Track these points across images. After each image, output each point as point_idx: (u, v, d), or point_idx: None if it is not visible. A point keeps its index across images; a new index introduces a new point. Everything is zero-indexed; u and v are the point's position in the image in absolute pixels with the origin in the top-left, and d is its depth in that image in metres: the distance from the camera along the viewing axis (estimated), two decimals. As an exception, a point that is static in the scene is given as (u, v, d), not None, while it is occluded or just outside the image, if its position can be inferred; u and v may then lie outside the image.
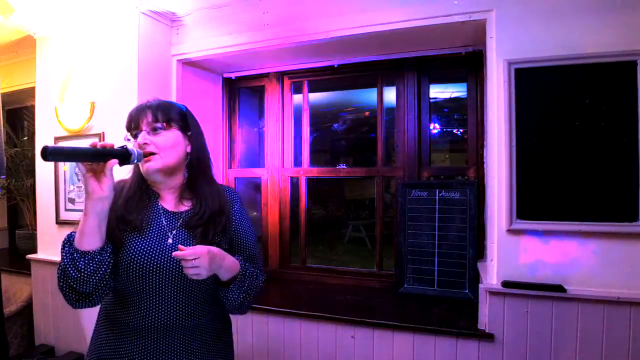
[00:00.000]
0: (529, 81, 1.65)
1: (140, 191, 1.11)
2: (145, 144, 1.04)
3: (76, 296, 0.98)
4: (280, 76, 2.64)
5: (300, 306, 2.06)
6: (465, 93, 2.25)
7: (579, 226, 1.58)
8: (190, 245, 1.03)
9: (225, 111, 2.80)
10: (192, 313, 1.07)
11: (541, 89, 1.64)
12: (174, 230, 1.09)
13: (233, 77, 2.73)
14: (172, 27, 2.37)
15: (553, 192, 1.62)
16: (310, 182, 2.69)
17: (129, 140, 1.08)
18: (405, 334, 1.82)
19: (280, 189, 2.65)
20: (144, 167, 1.05)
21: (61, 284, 0.97)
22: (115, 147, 0.95)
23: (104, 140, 2.24)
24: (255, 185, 2.96)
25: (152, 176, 1.08)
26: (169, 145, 1.07)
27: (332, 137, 5.66)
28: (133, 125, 1.08)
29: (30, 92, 2.69)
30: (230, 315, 1.25)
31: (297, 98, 2.68)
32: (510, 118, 1.67)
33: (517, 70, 1.66)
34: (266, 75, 2.66)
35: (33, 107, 2.59)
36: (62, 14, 2.28)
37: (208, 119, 2.68)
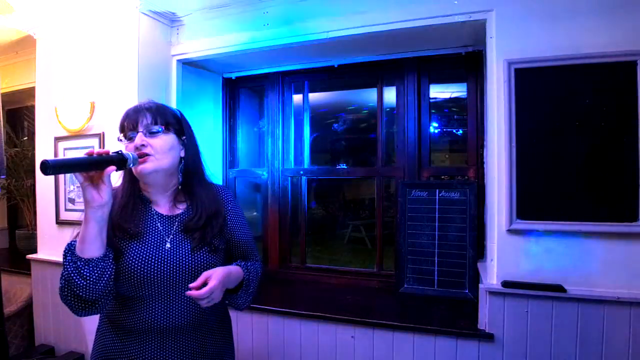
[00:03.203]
0: (529, 81, 1.65)
1: (134, 198, 1.11)
2: (143, 145, 1.04)
3: (82, 304, 0.98)
4: (280, 76, 2.64)
5: (300, 306, 2.06)
6: (465, 93, 2.25)
7: (579, 226, 1.58)
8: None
9: (225, 111, 2.80)
10: (194, 313, 1.09)
11: (541, 89, 1.64)
12: (170, 234, 1.10)
13: (233, 77, 2.73)
14: (172, 27, 2.37)
15: (553, 192, 1.62)
16: (310, 182, 2.69)
17: (121, 141, 1.08)
18: (405, 334, 1.82)
19: (280, 189, 2.65)
20: (138, 168, 1.04)
21: (65, 293, 0.96)
22: (111, 152, 0.95)
23: (103, 140, 2.24)
24: (255, 185, 2.96)
25: (146, 178, 1.07)
26: (166, 149, 1.07)
27: (332, 137, 5.66)
28: (130, 126, 1.07)
29: (30, 92, 2.69)
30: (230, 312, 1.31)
31: (297, 98, 2.68)
32: (510, 118, 1.67)
33: (517, 70, 1.66)
34: (266, 75, 2.66)
35: (33, 107, 2.59)
36: (62, 14, 2.28)
37: (208, 119, 2.68)
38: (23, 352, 2.54)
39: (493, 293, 1.68)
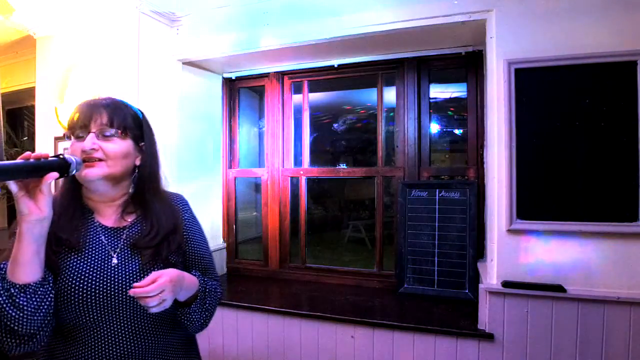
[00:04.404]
0: (529, 81, 1.65)
1: (74, 205, 0.95)
2: (94, 149, 0.88)
3: (16, 340, 0.80)
4: (280, 76, 2.64)
5: (300, 306, 2.06)
6: (465, 93, 2.25)
7: (579, 226, 1.58)
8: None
9: (225, 111, 2.80)
10: (148, 339, 0.95)
11: (541, 89, 1.64)
12: (117, 248, 0.94)
13: (233, 77, 2.74)
14: (172, 27, 2.37)
15: (553, 192, 1.62)
16: (310, 182, 2.69)
17: (68, 138, 0.93)
18: (405, 334, 1.82)
19: (280, 189, 2.65)
20: (83, 172, 0.88)
21: None
22: (50, 156, 0.81)
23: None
24: (255, 185, 2.96)
25: (91, 184, 0.92)
26: (119, 155, 0.92)
27: (332, 137, 5.66)
28: (82, 123, 0.91)
29: (30, 92, 2.69)
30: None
31: (297, 98, 2.68)
32: (510, 118, 1.67)
33: (517, 70, 1.66)
34: (266, 75, 2.66)
35: (33, 107, 2.59)
36: (62, 14, 2.28)
37: (208, 119, 2.68)
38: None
39: (493, 293, 1.68)
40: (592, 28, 1.57)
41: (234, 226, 2.81)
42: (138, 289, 0.79)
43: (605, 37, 1.55)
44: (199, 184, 2.57)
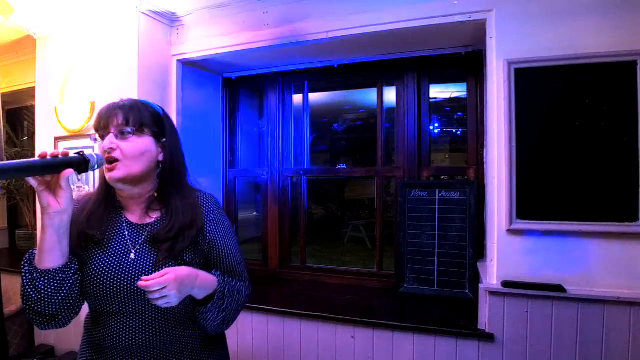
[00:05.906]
0: (529, 81, 1.65)
1: (106, 203, 1.03)
2: (112, 148, 0.94)
3: (39, 318, 0.91)
4: (280, 76, 2.64)
5: (300, 306, 2.06)
6: (465, 93, 2.25)
7: (579, 226, 1.58)
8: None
9: (225, 111, 2.80)
10: (171, 330, 0.99)
11: (541, 89, 1.64)
12: (137, 245, 0.99)
13: (233, 77, 2.73)
14: (172, 27, 2.37)
15: (553, 192, 1.62)
16: (310, 182, 2.69)
17: (95, 140, 1.01)
18: (405, 334, 1.82)
19: (280, 189, 2.65)
20: (107, 176, 0.95)
21: (24, 306, 0.90)
22: (71, 154, 0.86)
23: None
24: (255, 185, 2.96)
25: (116, 185, 0.98)
26: (137, 153, 0.96)
27: (332, 137, 5.67)
28: (102, 125, 0.97)
29: (30, 92, 2.69)
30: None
31: (297, 98, 2.68)
32: (510, 118, 1.67)
33: (517, 70, 1.66)
34: (266, 75, 2.66)
35: (33, 107, 2.59)
36: (62, 13, 2.28)
37: (208, 119, 2.68)
38: (23, 352, 2.54)
39: (493, 293, 1.68)
40: (592, 28, 1.57)
41: (234, 226, 2.81)
42: (143, 283, 0.83)
43: (605, 37, 1.55)
44: (199, 184, 2.57)
